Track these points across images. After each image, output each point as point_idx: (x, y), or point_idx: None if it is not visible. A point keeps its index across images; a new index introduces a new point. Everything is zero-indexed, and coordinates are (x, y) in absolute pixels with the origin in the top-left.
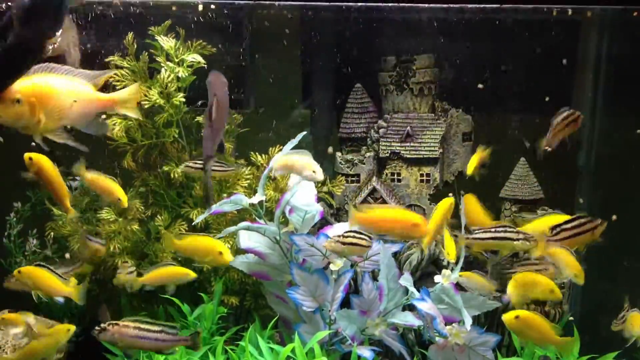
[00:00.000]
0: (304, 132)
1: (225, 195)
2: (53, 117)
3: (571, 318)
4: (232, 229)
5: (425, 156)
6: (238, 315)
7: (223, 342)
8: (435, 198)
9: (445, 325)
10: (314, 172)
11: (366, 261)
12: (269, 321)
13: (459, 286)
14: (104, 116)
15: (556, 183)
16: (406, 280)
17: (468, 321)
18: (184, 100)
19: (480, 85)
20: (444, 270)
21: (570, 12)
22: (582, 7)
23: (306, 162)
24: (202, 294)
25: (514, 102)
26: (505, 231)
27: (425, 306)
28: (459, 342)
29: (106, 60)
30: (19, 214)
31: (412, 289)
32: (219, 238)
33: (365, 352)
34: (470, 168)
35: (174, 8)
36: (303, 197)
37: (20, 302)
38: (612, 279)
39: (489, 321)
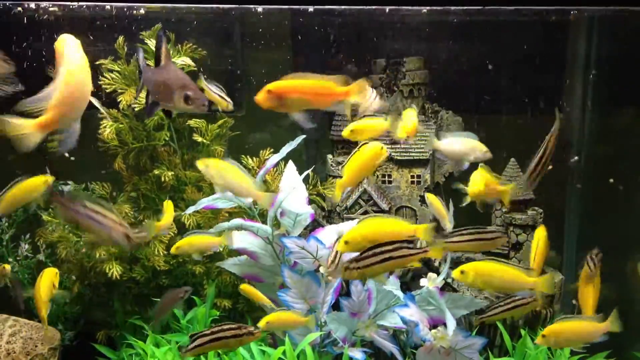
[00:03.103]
0: (304, 136)
1: None
2: None
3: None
4: (226, 224)
5: (415, 158)
6: (231, 318)
7: None
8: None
9: (435, 326)
10: (485, 151)
11: None
12: None
13: (449, 286)
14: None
15: (547, 183)
16: (392, 284)
17: (451, 325)
18: None
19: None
20: (429, 274)
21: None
22: (574, 8)
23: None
24: (194, 297)
25: (504, 103)
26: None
27: (407, 312)
28: (444, 345)
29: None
30: (11, 218)
31: (397, 292)
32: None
33: (357, 353)
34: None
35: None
36: (294, 200)
37: (14, 307)
38: (604, 279)
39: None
